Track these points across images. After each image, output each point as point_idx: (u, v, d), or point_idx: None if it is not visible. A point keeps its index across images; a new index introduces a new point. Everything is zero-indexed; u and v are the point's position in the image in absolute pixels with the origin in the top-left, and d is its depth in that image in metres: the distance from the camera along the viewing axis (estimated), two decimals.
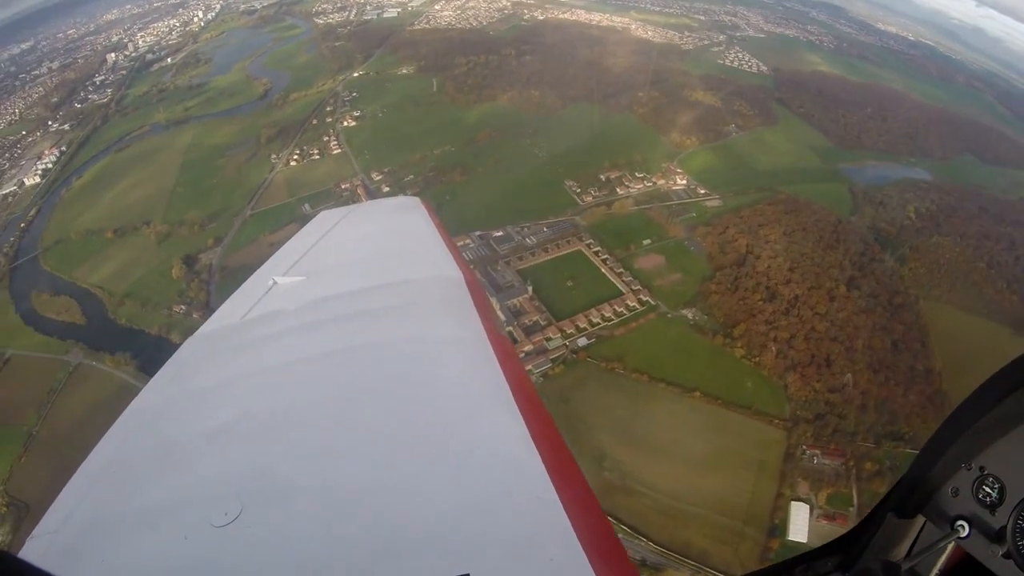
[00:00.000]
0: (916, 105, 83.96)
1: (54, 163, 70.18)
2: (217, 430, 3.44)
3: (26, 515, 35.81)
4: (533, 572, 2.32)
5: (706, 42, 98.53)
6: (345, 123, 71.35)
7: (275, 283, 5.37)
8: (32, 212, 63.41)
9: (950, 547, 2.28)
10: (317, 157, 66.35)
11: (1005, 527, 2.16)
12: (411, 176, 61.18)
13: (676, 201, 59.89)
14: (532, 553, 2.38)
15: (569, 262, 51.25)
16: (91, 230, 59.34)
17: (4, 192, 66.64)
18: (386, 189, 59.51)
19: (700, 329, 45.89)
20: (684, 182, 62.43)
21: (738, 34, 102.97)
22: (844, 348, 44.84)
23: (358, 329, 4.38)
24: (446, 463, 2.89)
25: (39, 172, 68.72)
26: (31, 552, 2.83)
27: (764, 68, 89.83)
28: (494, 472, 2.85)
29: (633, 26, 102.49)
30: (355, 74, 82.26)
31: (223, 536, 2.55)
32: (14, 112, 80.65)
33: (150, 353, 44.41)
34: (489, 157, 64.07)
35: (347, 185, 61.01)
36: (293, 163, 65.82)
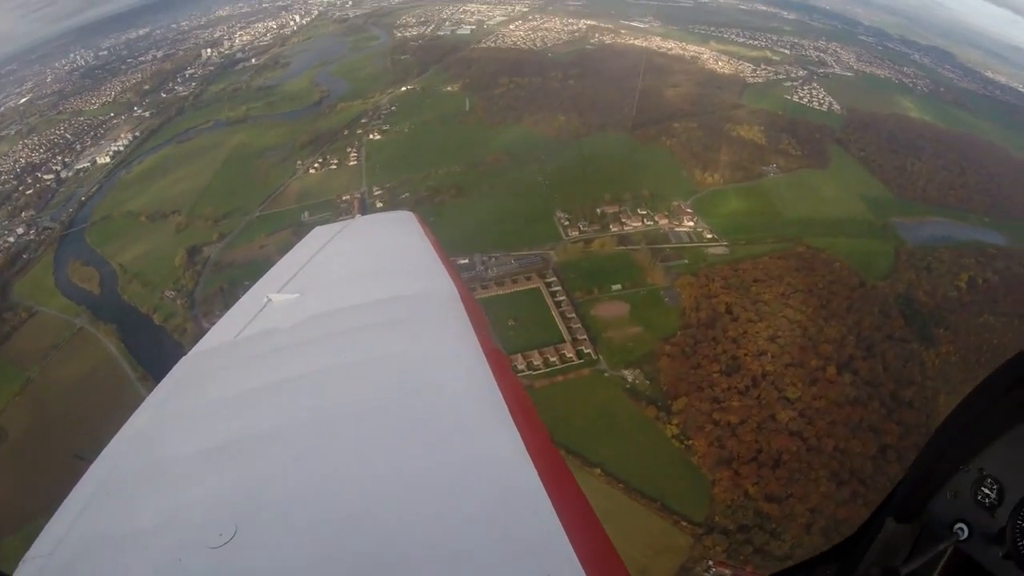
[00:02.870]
0: (1007, 159, 68.33)
1: (125, 146, 73.88)
2: (212, 450, 3.21)
3: (4, 439, 39.13)
4: None
5: (780, 76, 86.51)
6: (371, 136, 68.68)
7: (269, 300, 4.94)
8: (93, 188, 67.12)
9: (950, 550, 2.18)
10: (335, 167, 64.41)
11: (1004, 528, 2.05)
12: (407, 194, 57.38)
13: (673, 244, 51.06)
14: (528, 568, 2.25)
15: (522, 299, 44.57)
16: (131, 212, 61.71)
17: (79, 167, 71.02)
18: (379, 205, 56.49)
19: (635, 395, 37.80)
20: (691, 224, 53.17)
21: (821, 70, 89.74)
22: (805, 447, 35.04)
23: (352, 346, 4.07)
24: (441, 477, 2.74)
25: (111, 153, 72.65)
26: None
27: (837, 107, 77.16)
28: (490, 486, 2.69)
29: (706, 55, 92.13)
30: (403, 88, 79.62)
31: (218, 557, 2.42)
32: (110, 94, 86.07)
33: (133, 330, 47.15)
34: (489, 181, 58.70)
35: (347, 197, 58.48)
36: (313, 171, 64.19)
